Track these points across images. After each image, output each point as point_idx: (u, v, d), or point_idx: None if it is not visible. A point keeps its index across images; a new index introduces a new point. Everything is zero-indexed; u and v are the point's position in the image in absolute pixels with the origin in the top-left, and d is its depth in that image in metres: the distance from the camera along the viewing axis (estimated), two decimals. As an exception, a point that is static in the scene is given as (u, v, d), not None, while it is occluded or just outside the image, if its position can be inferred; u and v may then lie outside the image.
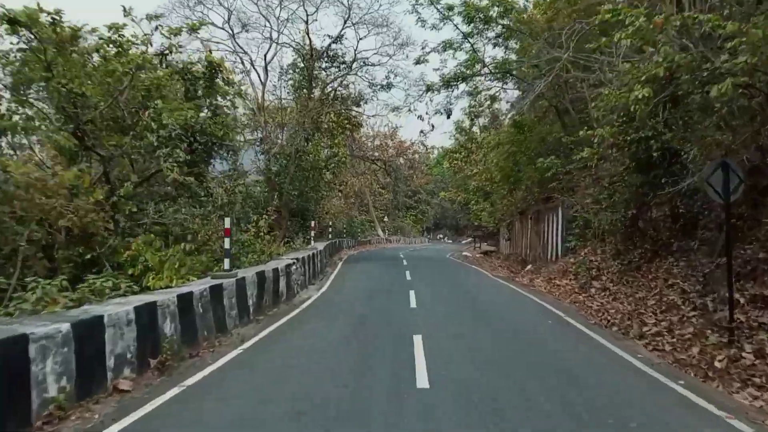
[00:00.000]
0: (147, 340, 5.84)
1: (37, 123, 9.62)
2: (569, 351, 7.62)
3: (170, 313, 6.40)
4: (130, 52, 9.46)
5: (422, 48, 22.88)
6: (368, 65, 29.04)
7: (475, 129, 32.48)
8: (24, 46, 8.94)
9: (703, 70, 6.71)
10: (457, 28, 20.93)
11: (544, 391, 5.41)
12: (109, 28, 9.32)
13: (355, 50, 28.76)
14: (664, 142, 9.64)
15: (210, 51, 12.38)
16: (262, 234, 15.03)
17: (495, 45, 22.27)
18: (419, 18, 21.27)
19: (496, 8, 19.65)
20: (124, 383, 5.27)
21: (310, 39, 26.91)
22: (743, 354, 6.57)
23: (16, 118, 9.91)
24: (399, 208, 62.34)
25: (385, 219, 56.41)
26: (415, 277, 17.50)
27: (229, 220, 8.72)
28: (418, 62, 22.69)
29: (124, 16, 9.43)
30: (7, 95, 9.82)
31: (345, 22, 27.41)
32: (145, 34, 9.54)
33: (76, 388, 4.70)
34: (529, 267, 20.65)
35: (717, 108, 6.97)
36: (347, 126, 30.54)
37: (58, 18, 8.84)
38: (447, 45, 21.35)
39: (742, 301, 7.72)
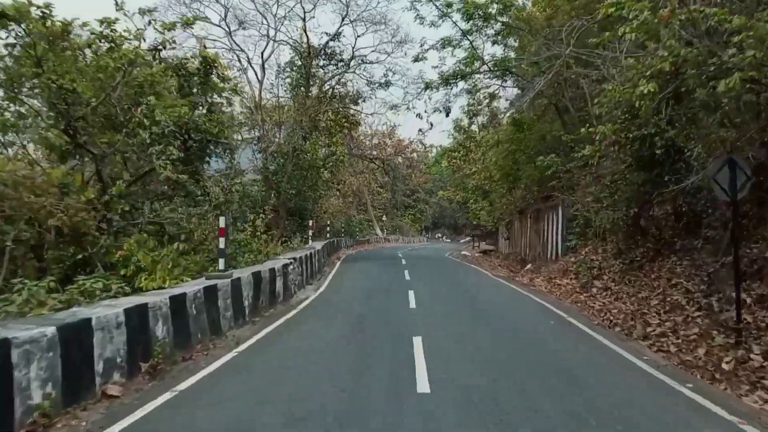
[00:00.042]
0: (138, 344, 5.65)
1: (29, 120, 9.38)
2: (571, 351, 7.48)
3: (162, 315, 6.20)
4: (122, 47, 9.24)
5: (421, 45, 22.75)
6: (366, 63, 28.86)
7: (474, 128, 32.36)
8: (13, 41, 8.72)
9: (710, 65, 6.55)
10: (456, 25, 20.82)
11: (550, 395, 5.25)
12: (101, 22, 9.10)
13: (353, 48, 28.60)
14: (667, 140, 9.47)
15: (204, 46, 12.13)
16: (258, 233, 14.88)
17: (494, 42, 22.14)
18: (418, 15, 21.15)
19: (495, 5, 19.49)
20: (113, 389, 5.08)
21: (307, 36, 26.72)
22: (751, 355, 6.42)
23: (7, 115, 9.70)
24: (397, 207, 62.21)
25: (384, 218, 56.28)
26: (413, 276, 17.37)
27: (224, 219, 8.52)
28: (416, 59, 22.56)
29: (116, 10, 9.23)
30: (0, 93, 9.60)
31: (343, 20, 27.22)
32: (138, 29, 9.32)
33: (62, 395, 4.51)
34: (528, 266, 20.51)
35: (724, 103, 6.80)
36: (345, 124, 30.34)
37: (48, 12, 8.63)
38: (446, 42, 21.19)
39: (748, 301, 7.58)
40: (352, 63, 28.20)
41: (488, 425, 4.40)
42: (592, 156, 12.46)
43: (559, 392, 5.33)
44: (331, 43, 27.48)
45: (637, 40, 8.12)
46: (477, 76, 22.45)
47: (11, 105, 9.73)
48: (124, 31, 9.35)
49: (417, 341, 7.33)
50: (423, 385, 5.38)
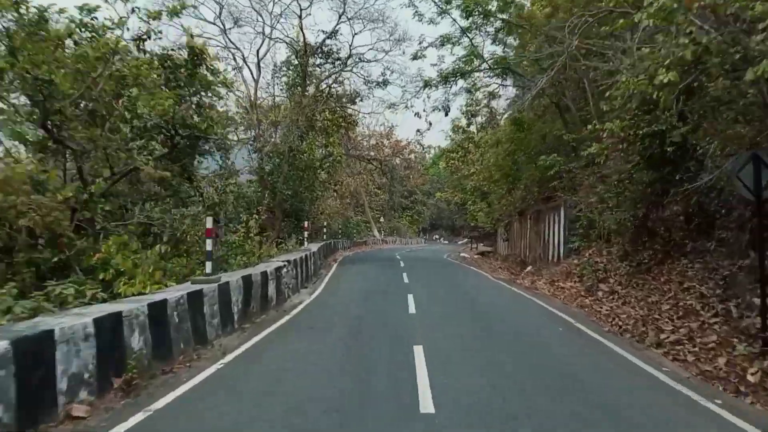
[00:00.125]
0: (109, 357, 5.10)
1: (4, 115, 8.81)
2: (580, 359, 7.01)
3: (139, 324, 5.66)
4: (105, 36, 8.68)
5: (419, 43, 22.10)
6: (364, 61, 28.34)
7: (473, 128, 31.96)
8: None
9: (734, 53, 6.07)
10: (456, 22, 20.40)
11: (573, 416, 4.72)
12: (81, 9, 8.54)
13: (350, 46, 28.10)
14: (680, 136, 8.99)
15: (192, 36, 11.56)
16: (252, 235, 14.36)
17: (494, 41, 21.73)
18: (416, 12, 20.73)
19: (495, 2, 19.08)
20: (78, 409, 4.52)
21: (303, 34, 26.20)
22: (779, 367, 5.94)
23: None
24: (395, 208, 61.72)
25: (381, 220, 55.78)
26: (412, 279, 16.89)
27: (211, 219, 7.98)
28: (415, 57, 22.14)
29: (97, -3, 8.67)
30: None
31: (340, 17, 26.72)
32: (121, 18, 8.77)
33: (16, 419, 3.95)
34: (529, 268, 20.03)
35: (749, 94, 6.32)
36: (342, 124, 29.82)
37: (21, -4, 8.06)
38: (445, 40, 20.77)
39: (772, 307, 7.08)
40: (349, 61, 27.73)
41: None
42: (599, 154, 12.00)
43: (589, 416, 4.74)
44: (328, 41, 27.02)
45: (650, 29, 7.65)
46: (477, 74, 22.07)
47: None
48: (106, 19, 8.81)
49: (419, 353, 6.80)
50: (427, 409, 4.83)
